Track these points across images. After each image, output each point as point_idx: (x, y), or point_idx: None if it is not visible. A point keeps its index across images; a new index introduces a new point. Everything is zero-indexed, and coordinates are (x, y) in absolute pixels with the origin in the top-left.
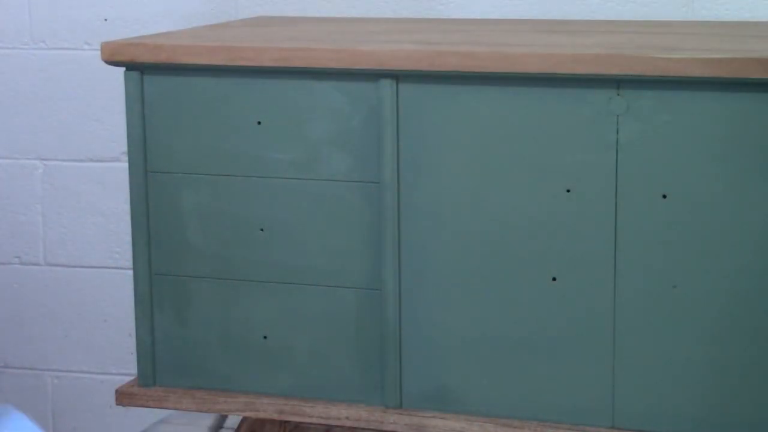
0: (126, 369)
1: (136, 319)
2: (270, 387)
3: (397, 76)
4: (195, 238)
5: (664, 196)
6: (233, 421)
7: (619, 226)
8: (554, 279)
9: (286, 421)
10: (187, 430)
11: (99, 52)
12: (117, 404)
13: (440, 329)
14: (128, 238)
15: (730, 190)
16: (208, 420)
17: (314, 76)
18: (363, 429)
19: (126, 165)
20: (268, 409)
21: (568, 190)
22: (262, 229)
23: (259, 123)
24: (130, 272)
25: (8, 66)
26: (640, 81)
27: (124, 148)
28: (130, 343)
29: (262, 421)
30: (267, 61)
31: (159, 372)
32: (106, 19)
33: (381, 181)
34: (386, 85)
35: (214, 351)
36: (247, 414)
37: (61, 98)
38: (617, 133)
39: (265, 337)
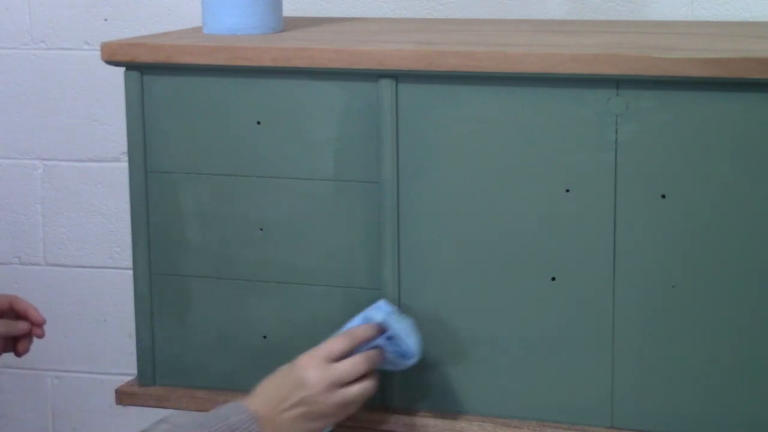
0: (126, 369)
1: (136, 319)
2: None
3: (397, 76)
4: (195, 238)
5: (664, 196)
6: None
7: (618, 226)
8: (554, 279)
9: None
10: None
11: (99, 52)
12: (117, 404)
13: (440, 329)
14: (128, 238)
15: (729, 190)
16: None
17: (314, 76)
18: (363, 429)
19: (126, 165)
20: None
21: (568, 190)
22: (262, 229)
23: (259, 123)
24: (130, 272)
25: (8, 66)
26: (639, 81)
27: (124, 148)
28: (130, 343)
29: None
30: (267, 61)
31: (159, 372)
32: (106, 19)
33: (381, 181)
34: (386, 85)
35: (214, 351)
36: None
37: (61, 98)
38: (616, 133)
39: (265, 337)
